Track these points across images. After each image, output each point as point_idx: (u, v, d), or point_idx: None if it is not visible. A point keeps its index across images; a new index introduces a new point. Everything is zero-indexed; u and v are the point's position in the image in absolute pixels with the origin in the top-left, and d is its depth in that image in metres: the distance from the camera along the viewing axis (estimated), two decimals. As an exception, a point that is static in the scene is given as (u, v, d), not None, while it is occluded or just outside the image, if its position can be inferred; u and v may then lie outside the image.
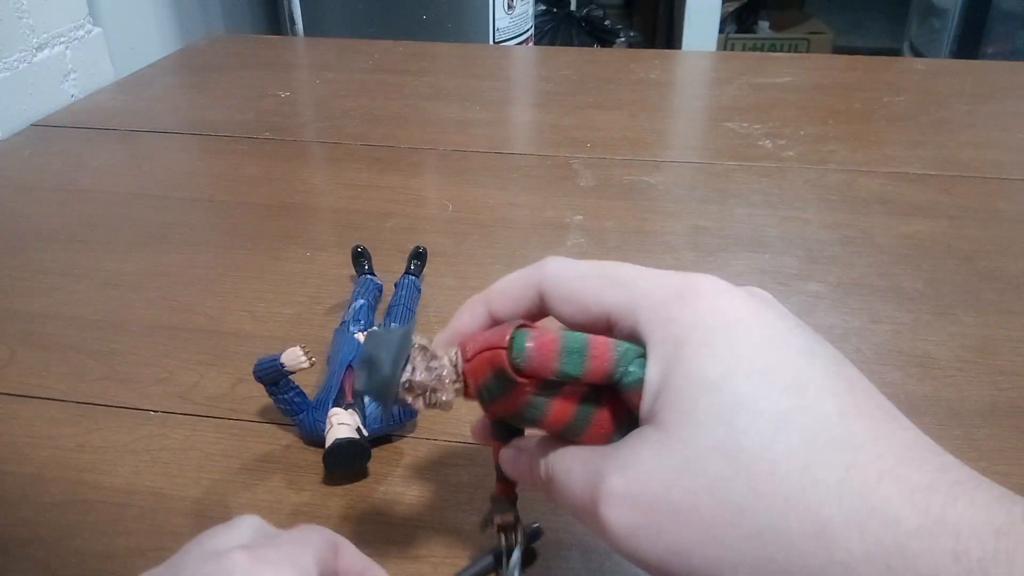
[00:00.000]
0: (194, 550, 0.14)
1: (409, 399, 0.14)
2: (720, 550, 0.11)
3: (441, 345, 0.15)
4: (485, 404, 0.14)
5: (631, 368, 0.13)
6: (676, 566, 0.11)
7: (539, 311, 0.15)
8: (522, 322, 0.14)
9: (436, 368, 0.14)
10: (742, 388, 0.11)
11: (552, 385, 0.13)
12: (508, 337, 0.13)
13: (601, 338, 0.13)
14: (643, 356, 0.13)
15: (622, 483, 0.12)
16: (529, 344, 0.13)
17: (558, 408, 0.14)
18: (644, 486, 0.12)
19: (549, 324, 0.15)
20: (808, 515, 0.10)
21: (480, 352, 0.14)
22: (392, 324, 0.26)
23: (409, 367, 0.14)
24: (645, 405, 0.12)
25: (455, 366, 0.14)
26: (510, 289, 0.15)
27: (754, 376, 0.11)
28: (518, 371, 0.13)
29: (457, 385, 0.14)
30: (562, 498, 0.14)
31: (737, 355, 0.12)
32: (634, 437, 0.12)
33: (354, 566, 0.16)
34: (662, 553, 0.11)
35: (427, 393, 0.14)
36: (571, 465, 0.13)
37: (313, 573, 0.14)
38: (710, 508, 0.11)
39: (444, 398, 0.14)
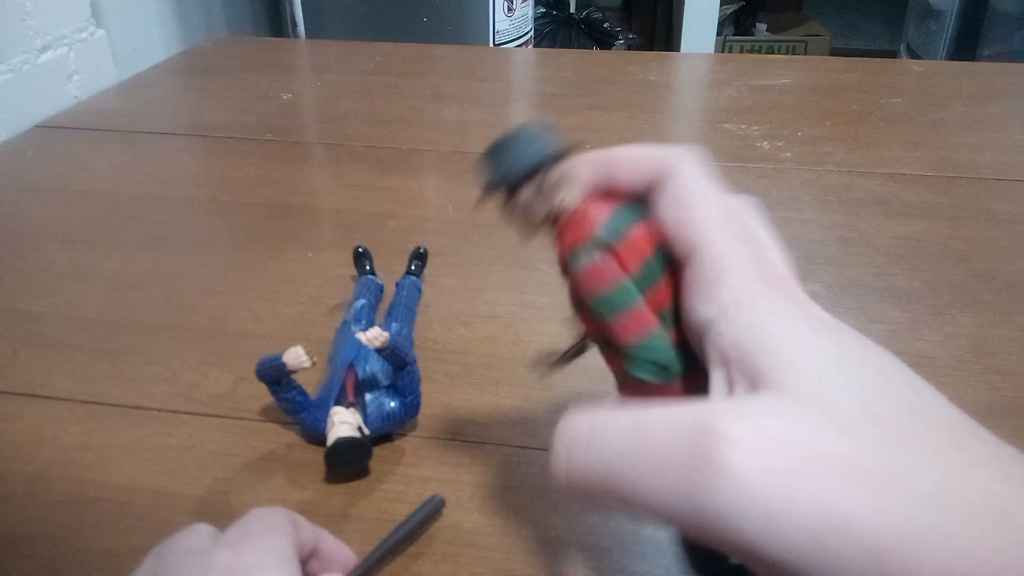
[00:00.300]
0: (168, 555, 0.14)
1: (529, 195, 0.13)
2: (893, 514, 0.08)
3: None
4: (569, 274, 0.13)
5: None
6: (818, 527, 0.08)
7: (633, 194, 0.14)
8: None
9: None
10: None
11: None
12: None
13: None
14: None
15: (747, 427, 0.09)
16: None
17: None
18: (780, 431, 0.09)
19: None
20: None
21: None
22: (393, 324, 0.27)
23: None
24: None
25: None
26: (638, 162, 0.14)
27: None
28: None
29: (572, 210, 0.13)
30: (644, 456, 0.10)
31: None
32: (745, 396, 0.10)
33: (309, 537, 0.16)
34: (804, 507, 0.08)
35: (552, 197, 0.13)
36: (659, 417, 0.10)
37: (292, 555, 0.14)
38: (874, 464, 0.09)
39: (567, 200, 0.13)
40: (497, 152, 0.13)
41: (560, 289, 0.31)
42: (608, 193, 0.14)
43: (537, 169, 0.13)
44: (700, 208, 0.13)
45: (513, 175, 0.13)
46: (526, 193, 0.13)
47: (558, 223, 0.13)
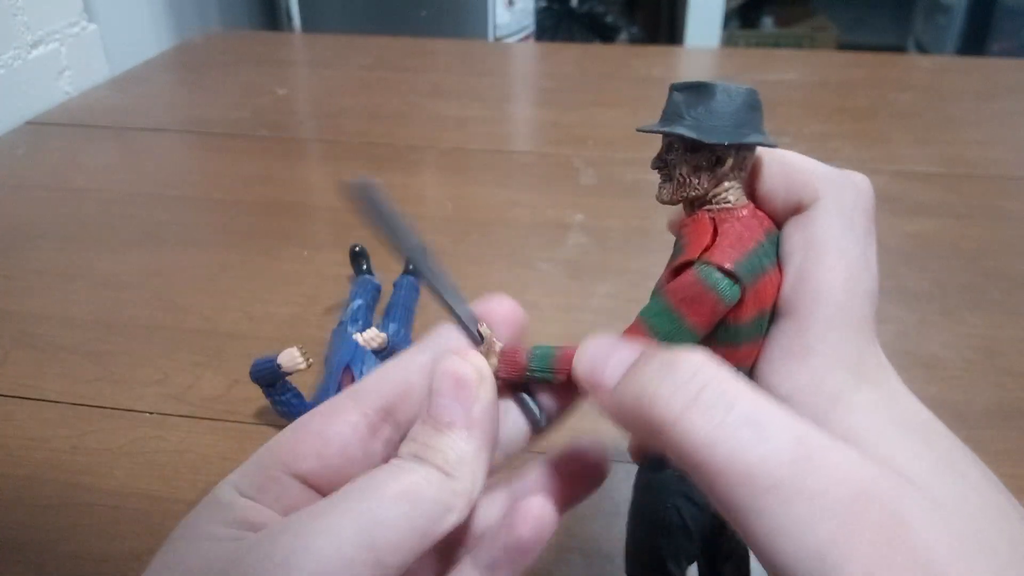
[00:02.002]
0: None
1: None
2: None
3: None
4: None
5: None
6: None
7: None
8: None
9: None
10: None
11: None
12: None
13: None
14: None
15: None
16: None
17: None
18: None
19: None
20: None
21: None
22: (391, 325, 0.26)
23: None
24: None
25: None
26: (792, 177, 0.12)
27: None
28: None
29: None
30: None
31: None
32: None
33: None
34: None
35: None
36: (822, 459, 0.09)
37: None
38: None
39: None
40: (704, 99, 0.11)
41: (561, 289, 0.30)
42: (760, 203, 0.12)
43: (737, 145, 0.11)
44: (825, 271, 0.11)
45: (705, 134, 0.11)
46: (695, 159, 0.11)
47: (709, 210, 0.12)
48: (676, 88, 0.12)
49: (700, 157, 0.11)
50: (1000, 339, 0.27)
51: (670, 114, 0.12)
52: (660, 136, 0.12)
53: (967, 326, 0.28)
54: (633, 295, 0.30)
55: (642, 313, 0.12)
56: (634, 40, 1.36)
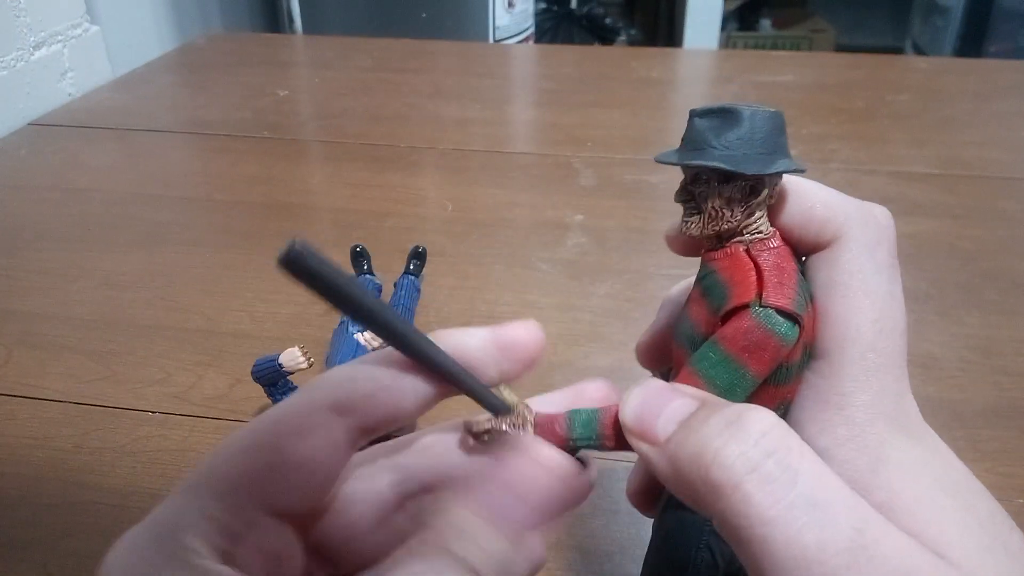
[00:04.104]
0: None
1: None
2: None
3: None
4: None
5: None
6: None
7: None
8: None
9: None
10: None
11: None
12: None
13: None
14: None
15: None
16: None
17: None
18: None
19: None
20: None
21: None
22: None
23: None
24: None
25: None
26: (814, 211, 0.11)
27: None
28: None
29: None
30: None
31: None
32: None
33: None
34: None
35: None
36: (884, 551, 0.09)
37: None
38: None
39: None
40: (732, 125, 0.10)
41: (561, 289, 0.30)
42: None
43: (766, 172, 0.10)
44: (853, 311, 0.10)
45: (741, 164, 0.10)
46: (728, 191, 0.11)
47: (740, 243, 0.11)
48: (698, 114, 0.11)
49: (734, 188, 0.11)
50: (997, 339, 0.27)
51: (695, 142, 0.11)
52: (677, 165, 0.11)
53: (964, 326, 0.28)
54: (632, 295, 0.30)
55: (696, 365, 0.10)
56: (633, 42, 1.37)
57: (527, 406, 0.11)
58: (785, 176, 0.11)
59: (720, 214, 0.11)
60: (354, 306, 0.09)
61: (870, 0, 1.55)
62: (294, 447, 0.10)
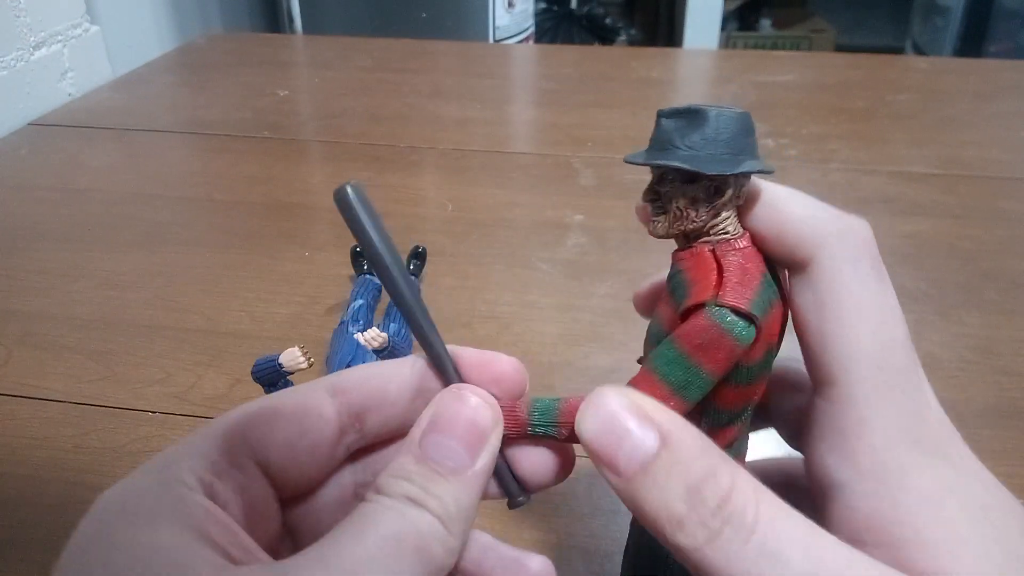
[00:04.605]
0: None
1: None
2: None
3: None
4: None
5: None
6: None
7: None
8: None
9: None
10: None
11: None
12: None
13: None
14: None
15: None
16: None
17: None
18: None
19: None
20: None
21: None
22: (392, 325, 0.26)
23: None
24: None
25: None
26: (789, 224, 0.11)
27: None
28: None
29: None
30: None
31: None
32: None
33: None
34: None
35: None
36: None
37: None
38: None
39: None
40: (698, 125, 0.10)
41: (561, 289, 0.30)
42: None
43: (729, 173, 0.10)
44: (848, 328, 0.10)
45: (704, 164, 0.10)
46: (693, 191, 0.11)
47: (707, 243, 0.11)
48: (665, 115, 0.11)
49: (698, 188, 0.11)
50: (997, 339, 0.27)
51: (661, 143, 0.11)
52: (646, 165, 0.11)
53: (964, 326, 0.28)
54: (632, 295, 0.30)
55: (652, 362, 0.10)
56: (633, 42, 1.37)
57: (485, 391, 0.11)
58: (762, 184, 0.11)
59: (685, 214, 0.11)
60: (374, 256, 0.10)
61: (870, 0, 1.55)
62: (288, 407, 0.11)
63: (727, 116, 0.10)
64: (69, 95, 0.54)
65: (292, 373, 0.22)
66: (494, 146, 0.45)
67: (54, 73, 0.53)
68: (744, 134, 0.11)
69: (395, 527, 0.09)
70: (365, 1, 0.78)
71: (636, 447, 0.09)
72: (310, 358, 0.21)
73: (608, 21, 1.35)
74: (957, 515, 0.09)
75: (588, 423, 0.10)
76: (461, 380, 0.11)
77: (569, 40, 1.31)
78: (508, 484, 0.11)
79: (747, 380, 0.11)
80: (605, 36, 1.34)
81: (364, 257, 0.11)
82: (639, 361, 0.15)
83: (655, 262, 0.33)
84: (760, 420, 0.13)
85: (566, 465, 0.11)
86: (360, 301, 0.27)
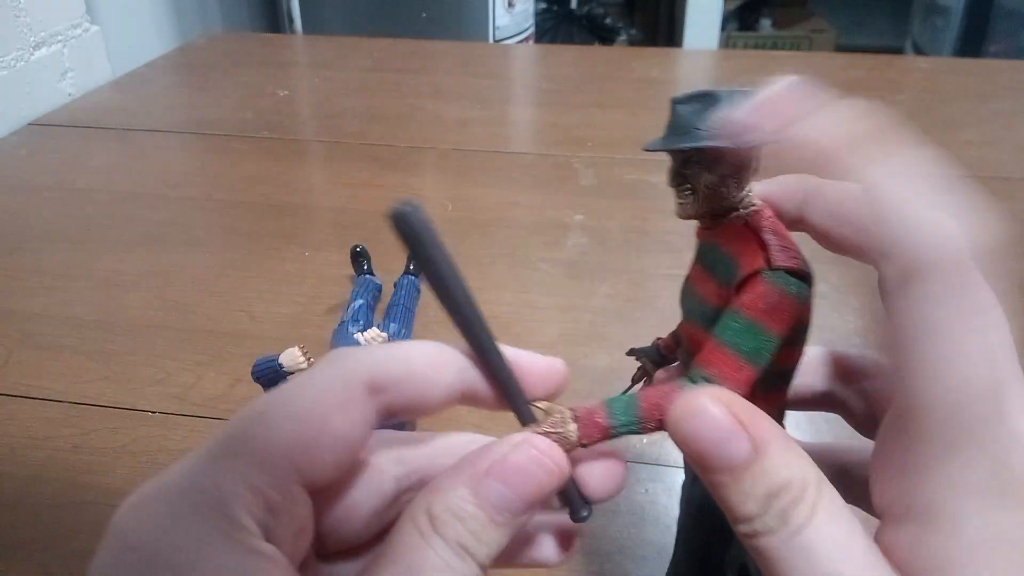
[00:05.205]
0: None
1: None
2: None
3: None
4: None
5: None
6: None
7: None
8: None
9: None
10: None
11: None
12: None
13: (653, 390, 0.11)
14: None
15: None
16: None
17: None
18: None
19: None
20: None
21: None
22: (392, 325, 0.26)
23: None
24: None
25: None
26: (861, 222, 0.10)
27: None
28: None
29: None
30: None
31: None
32: None
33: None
34: None
35: None
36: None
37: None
38: None
39: None
40: (712, 107, 0.11)
41: (561, 289, 0.30)
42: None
43: (756, 144, 0.10)
44: (946, 369, 0.08)
45: (734, 139, 0.10)
46: (720, 168, 0.11)
47: (738, 216, 0.11)
48: (679, 101, 0.11)
49: (724, 166, 0.11)
50: (997, 339, 0.27)
51: (681, 128, 0.11)
52: (666, 153, 0.11)
53: (964, 326, 0.28)
54: (632, 295, 0.30)
55: (721, 336, 0.11)
56: (633, 42, 1.37)
57: (563, 408, 0.11)
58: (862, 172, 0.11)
59: (715, 192, 0.11)
60: (441, 285, 0.10)
61: (870, 0, 1.55)
62: (333, 421, 0.09)
63: (738, 95, 0.11)
64: (69, 95, 0.54)
65: (292, 373, 0.22)
66: (494, 146, 0.45)
67: (54, 73, 0.53)
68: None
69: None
70: (365, 1, 0.78)
71: (730, 455, 0.09)
72: (310, 358, 0.21)
73: (608, 21, 1.35)
74: (1007, 569, 0.08)
75: (684, 426, 0.10)
76: (524, 406, 0.11)
77: (569, 40, 1.31)
78: (574, 500, 0.11)
79: (799, 341, 0.11)
80: (605, 36, 1.34)
81: (429, 284, 0.10)
82: (629, 353, 0.15)
83: (655, 262, 0.33)
84: (826, 404, 0.13)
85: (622, 474, 0.11)
86: (360, 301, 0.27)
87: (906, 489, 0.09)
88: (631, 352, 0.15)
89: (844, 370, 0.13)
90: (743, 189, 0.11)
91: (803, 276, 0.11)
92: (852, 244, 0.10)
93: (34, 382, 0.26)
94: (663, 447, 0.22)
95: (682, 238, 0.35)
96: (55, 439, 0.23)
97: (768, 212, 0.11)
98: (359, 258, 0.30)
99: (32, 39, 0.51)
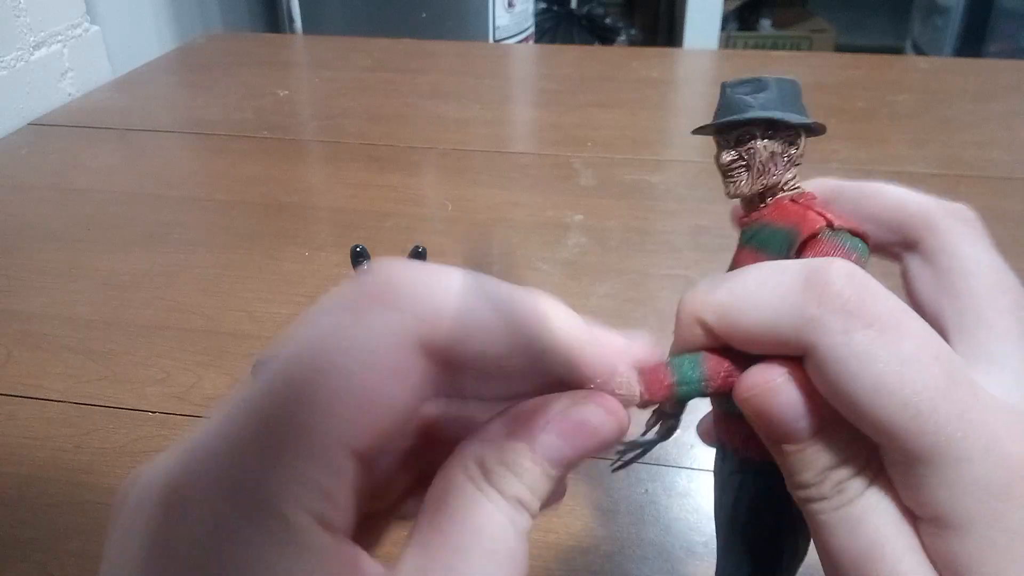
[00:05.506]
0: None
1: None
2: None
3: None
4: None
5: None
6: None
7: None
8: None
9: None
10: None
11: None
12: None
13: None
14: None
15: None
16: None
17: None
18: None
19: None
20: None
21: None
22: None
23: None
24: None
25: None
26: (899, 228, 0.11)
27: None
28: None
29: None
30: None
31: None
32: None
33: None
34: None
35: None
36: None
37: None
38: None
39: None
40: (763, 89, 0.12)
41: (561, 289, 0.29)
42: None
43: (800, 128, 0.11)
44: (980, 299, 0.10)
45: (788, 118, 0.11)
46: (772, 145, 0.11)
47: (785, 196, 0.11)
48: (729, 85, 0.12)
49: (776, 143, 0.12)
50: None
51: (734, 107, 0.12)
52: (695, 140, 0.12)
53: (964, 326, 0.28)
54: (632, 295, 0.30)
55: None
56: (633, 42, 1.37)
57: (627, 372, 0.11)
58: (845, 181, 0.12)
59: (767, 168, 0.12)
60: None
61: (870, 0, 1.55)
62: (389, 391, 0.08)
63: (787, 81, 0.12)
64: (69, 95, 0.54)
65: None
66: (494, 146, 0.45)
67: (54, 73, 0.53)
68: (800, 97, 0.12)
69: (503, 534, 0.09)
70: (365, 1, 0.78)
71: (798, 431, 0.10)
72: (310, 358, 0.21)
73: (608, 21, 1.35)
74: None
75: (755, 400, 0.10)
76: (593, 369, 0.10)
77: (569, 40, 1.31)
78: (667, 422, 0.11)
79: None
80: (605, 36, 1.34)
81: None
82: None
83: (655, 262, 0.33)
84: None
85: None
86: (360, 301, 0.27)
87: (945, 487, 0.09)
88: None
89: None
90: (790, 170, 0.12)
91: (862, 236, 0.11)
92: (876, 241, 0.11)
93: (34, 382, 0.26)
94: (662, 448, 0.22)
95: (682, 238, 0.35)
96: (55, 439, 0.23)
97: (816, 197, 0.12)
98: (359, 258, 0.30)
99: (32, 39, 0.51)
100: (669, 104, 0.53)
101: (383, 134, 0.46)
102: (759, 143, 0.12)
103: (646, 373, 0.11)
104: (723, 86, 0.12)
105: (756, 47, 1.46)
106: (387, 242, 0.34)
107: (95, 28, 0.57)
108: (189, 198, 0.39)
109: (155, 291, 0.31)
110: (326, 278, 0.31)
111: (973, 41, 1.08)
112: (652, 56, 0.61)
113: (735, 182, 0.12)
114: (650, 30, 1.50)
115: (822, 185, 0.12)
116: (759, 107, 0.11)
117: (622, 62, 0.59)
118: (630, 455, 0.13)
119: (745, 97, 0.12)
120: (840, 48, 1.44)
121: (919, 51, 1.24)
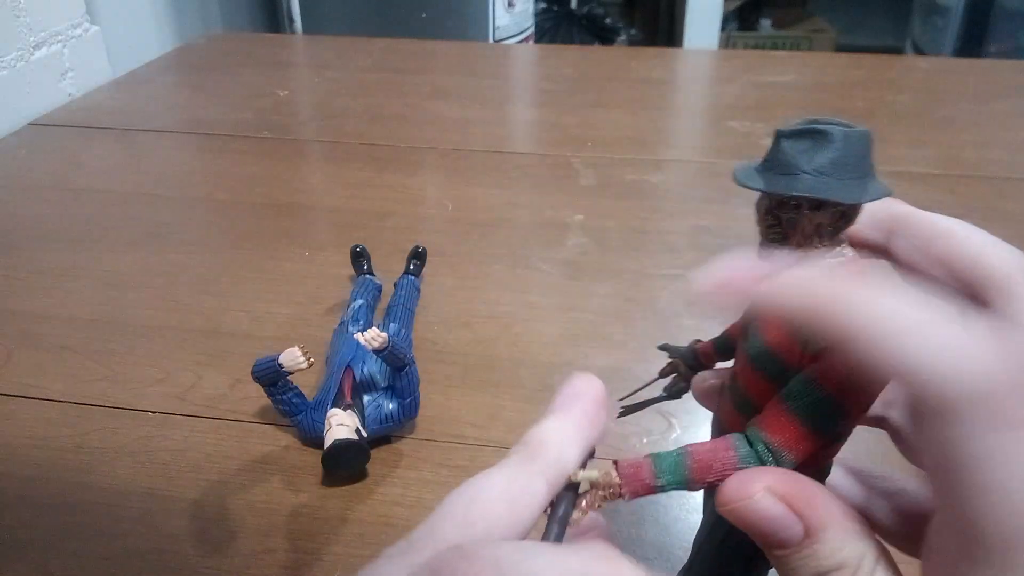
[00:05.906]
0: None
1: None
2: None
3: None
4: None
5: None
6: None
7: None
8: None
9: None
10: None
11: None
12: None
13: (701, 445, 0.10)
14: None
15: None
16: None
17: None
18: None
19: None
20: None
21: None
22: (392, 325, 0.26)
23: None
24: None
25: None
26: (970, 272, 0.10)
27: None
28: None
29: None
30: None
31: None
32: None
33: None
34: None
35: None
36: None
37: None
38: None
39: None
40: (823, 147, 0.10)
41: (561, 290, 0.29)
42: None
43: (864, 201, 0.10)
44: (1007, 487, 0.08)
45: (836, 192, 0.09)
46: (819, 217, 0.10)
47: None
48: (785, 135, 0.10)
49: (825, 215, 0.10)
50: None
51: (784, 166, 0.10)
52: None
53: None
54: (632, 295, 0.30)
55: (792, 405, 0.10)
56: (633, 42, 1.37)
57: (606, 471, 0.11)
58: (915, 213, 0.10)
59: (809, 242, 0.10)
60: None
61: (870, 0, 1.55)
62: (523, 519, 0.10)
63: (855, 136, 0.10)
64: (69, 95, 0.54)
65: (292, 373, 0.22)
66: (494, 146, 0.45)
67: (54, 73, 0.53)
68: (868, 154, 0.10)
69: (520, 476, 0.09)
70: (365, 1, 0.78)
71: (784, 539, 0.09)
72: (310, 358, 0.21)
73: (608, 21, 1.35)
74: None
75: (736, 510, 0.09)
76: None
77: (569, 40, 1.31)
78: (555, 528, 0.11)
79: (868, 407, 0.10)
80: (605, 36, 1.34)
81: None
82: (661, 348, 0.14)
83: (655, 262, 0.33)
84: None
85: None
86: (360, 301, 0.27)
87: (980, 512, 0.08)
88: (663, 347, 0.15)
89: (868, 485, 0.12)
90: (837, 241, 0.10)
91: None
92: (941, 283, 0.10)
93: (34, 382, 0.26)
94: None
95: (682, 238, 0.35)
96: (55, 439, 0.23)
97: (858, 265, 0.10)
98: (359, 258, 0.30)
99: (32, 39, 0.51)
100: (669, 104, 0.53)
101: (383, 134, 0.46)
102: (802, 216, 0.10)
103: (626, 474, 0.10)
104: (778, 134, 0.10)
105: (756, 47, 1.46)
106: (387, 242, 0.34)
107: (95, 28, 0.58)
108: (189, 198, 0.39)
109: (155, 291, 0.31)
110: (327, 278, 0.31)
111: (973, 41, 1.08)
112: (652, 56, 0.61)
113: (770, 241, 0.11)
114: (650, 30, 1.50)
115: (888, 210, 0.11)
116: (813, 172, 0.10)
117: (622, 62, 0.59)
118: (635, 405, 0.13)
119: (799, 157, 0.10)
120: (840, 48, 1.44)
121: (919, 51, 1.24)
